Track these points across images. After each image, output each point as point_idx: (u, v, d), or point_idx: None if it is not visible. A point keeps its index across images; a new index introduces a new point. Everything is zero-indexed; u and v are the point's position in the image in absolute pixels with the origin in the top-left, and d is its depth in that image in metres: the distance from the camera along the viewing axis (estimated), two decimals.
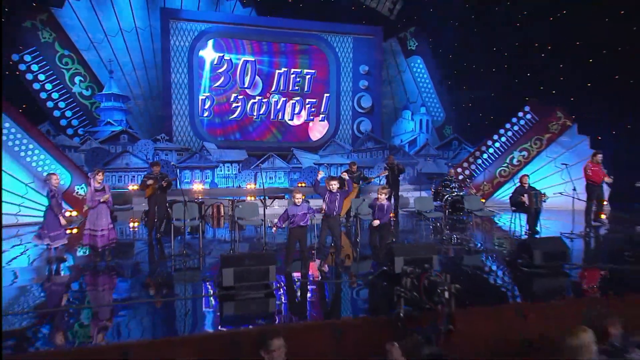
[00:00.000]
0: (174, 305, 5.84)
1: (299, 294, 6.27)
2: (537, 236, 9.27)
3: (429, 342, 3.88)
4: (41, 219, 8.39)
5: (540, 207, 9.82)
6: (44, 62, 14.74)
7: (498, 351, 4.51)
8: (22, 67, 14.38)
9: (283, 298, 6.03)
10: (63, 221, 7.76)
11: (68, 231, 8.52)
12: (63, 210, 7.92)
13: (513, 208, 10.28)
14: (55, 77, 14.95)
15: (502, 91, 16.58)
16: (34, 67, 14.58)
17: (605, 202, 12.28)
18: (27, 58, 14.40)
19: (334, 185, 6.89)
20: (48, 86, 14.85)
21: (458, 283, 6.74)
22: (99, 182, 7.80)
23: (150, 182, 9.42)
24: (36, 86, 14.63)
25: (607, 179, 10.64)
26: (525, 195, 9.64)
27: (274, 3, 17.06)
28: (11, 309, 5.55)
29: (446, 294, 4.67)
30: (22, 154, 11.34)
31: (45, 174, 10.26)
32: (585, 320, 3.72)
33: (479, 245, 9.21)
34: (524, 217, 10.04)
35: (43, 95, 14.74)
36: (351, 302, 6.21)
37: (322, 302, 6.10)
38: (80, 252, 8.24)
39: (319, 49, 18.01)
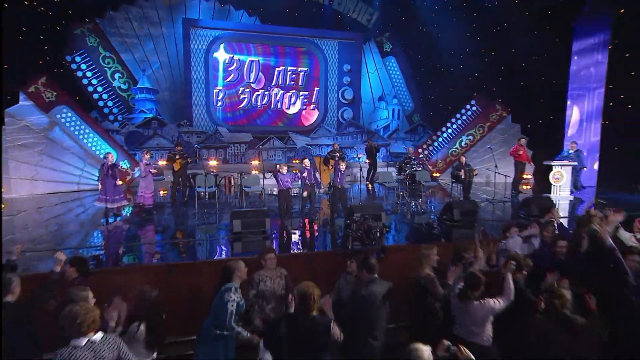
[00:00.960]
0: (200, 244, 7.20)
1: (286, 237, 7.51)
2: None
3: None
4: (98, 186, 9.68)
5: (471, 179, 10.84)
6: (90, 62, 14.96)
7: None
8: (74, 66, 14.57)
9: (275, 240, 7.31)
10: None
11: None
12: (114, 180, 9.09)
13: (453, 180, 11.34)
14: (99, 74, 15.21)
15: (456, 87, 16.91)
16: (83, 66, 14.80)
17: (529, 176, 13.14)
18: (78, 59, 14.61)
19: (307, 162, 8.32)
20: (94, 81, 15.06)
21: (399, 232, 8.24)
22: (147, 159, 9.26)
23: (177, 157, 10.41)
24: (85, 81, 14.84)
25: (523, 158, 11.59)
26: (462, 170, 10.70)
27: (274, 13, 16.85)
28: (87, 244, 6.98)
29: (378, 234, 6.10)
30: (80, 136, 12.02)
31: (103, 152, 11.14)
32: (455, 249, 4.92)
33: (427, 207, 10.43)
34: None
35: (90, 88, 14.96)
36: (322, 242, 7.58)
37: (302, 242, 7.45)
38: (126, 211, 9.35)
39: (311, 51, 18.21)
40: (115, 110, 15.51)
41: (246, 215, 7.32)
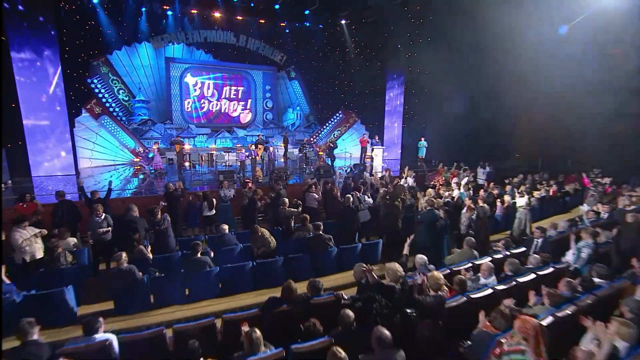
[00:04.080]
0: (203, 185, 11.68)
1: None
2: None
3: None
4: (127, 161, 13.59)
5: (334, 146, 15.41)
6: (103, 83, 16.52)
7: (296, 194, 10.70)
8: (92, 85, 16.04)
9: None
10: (137, 159, 12.90)
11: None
12: (150, 157, 13.09)
13: (326, 156, 16.57)
14: (109, 91, 16.78)
15: (334, 100, 20.63)
16: (99, 86, 16.33)
17: (369, 154, 17.64)
18: (95, 81, 16.18)
19: (253, 147, 12.97)
20: (106, 95, 16.58)
21: (297, 179, 13.33)
22: (156, 146, 13.16)
23: (177, 145, 14.03)
24: (100, 95, 16.19)
25: (366, 145, 16.16)
26: (327, 149, 15.95)
27: (222, 52, 19.02)
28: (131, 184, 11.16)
29: (284, 177, 11.30)
30: (115, 133, 14.61)
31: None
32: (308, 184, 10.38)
33: (311, 169, 15.07)
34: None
35: (103, 100, 16.28)
36: (264, 183, 12.47)
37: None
38: (140, 176, 13.33)
39: (245, 77, 20.15)
40: (120, 114, 17.14)
41: (224, 172, 12.07)
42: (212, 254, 6.23)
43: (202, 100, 19.58)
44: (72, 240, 6.21)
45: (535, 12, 12.88)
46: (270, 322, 3.91)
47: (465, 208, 7.59)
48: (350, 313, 3.71)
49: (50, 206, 7.74)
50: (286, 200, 7.83)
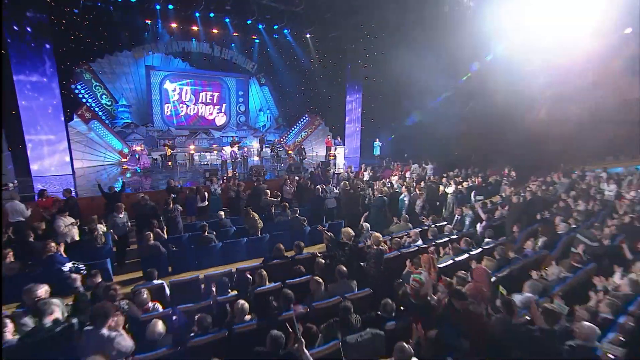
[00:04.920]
0: (190, 181, 12.95)
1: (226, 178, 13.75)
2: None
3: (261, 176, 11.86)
4: (115, 162, 14.58)
5: (304, 156, 17.16)
6: (87, 89, 17.14)
7: (274, 186, 12.28)
8: (76, 92, 16.74)
9: (223, 180, 13.34)
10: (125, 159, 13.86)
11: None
12: (137, 156, 14.16)
13: (297, 155, 18.26)
14: (93, 96, 17.40)
15: (300, 105, 22.04)
16: (82, 91, 16.98)
17: (332, 152, 19.99)
18: (79, 87, 16.84)
19: (230, 148, 14.32)
20: (89, 100, 17.17)
21: (272, 175, 14.83)
22: (141, 147, 14.24)
23: (167, 148, 15.29)
24: (83, 100, 16.78)
25: (331, 145, 18.30)
26: (297, 149, 17.72)
27: (198, 61, 19.95)
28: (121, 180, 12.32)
29: (262, 174, 12.86)
30: (103, 135, 15.20)
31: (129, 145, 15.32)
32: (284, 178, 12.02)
33: (282, 166, 16.99)
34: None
35: (87, 105, 16.38)
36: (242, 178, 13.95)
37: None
38: (128, 174, 14.45)
39: (220, 83, 20.97)
40: (103, 118, 17.28)
41: (210, 170, 13.39)
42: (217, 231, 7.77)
43: (181, 105, 20.36)
44: (102, 226, 7.51)
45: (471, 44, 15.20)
46: (268, 270, 5.62)
47: (418, 194, 9.66)
48: (322, 261, 5.52)
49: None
50: (268, 191, 9.48)
